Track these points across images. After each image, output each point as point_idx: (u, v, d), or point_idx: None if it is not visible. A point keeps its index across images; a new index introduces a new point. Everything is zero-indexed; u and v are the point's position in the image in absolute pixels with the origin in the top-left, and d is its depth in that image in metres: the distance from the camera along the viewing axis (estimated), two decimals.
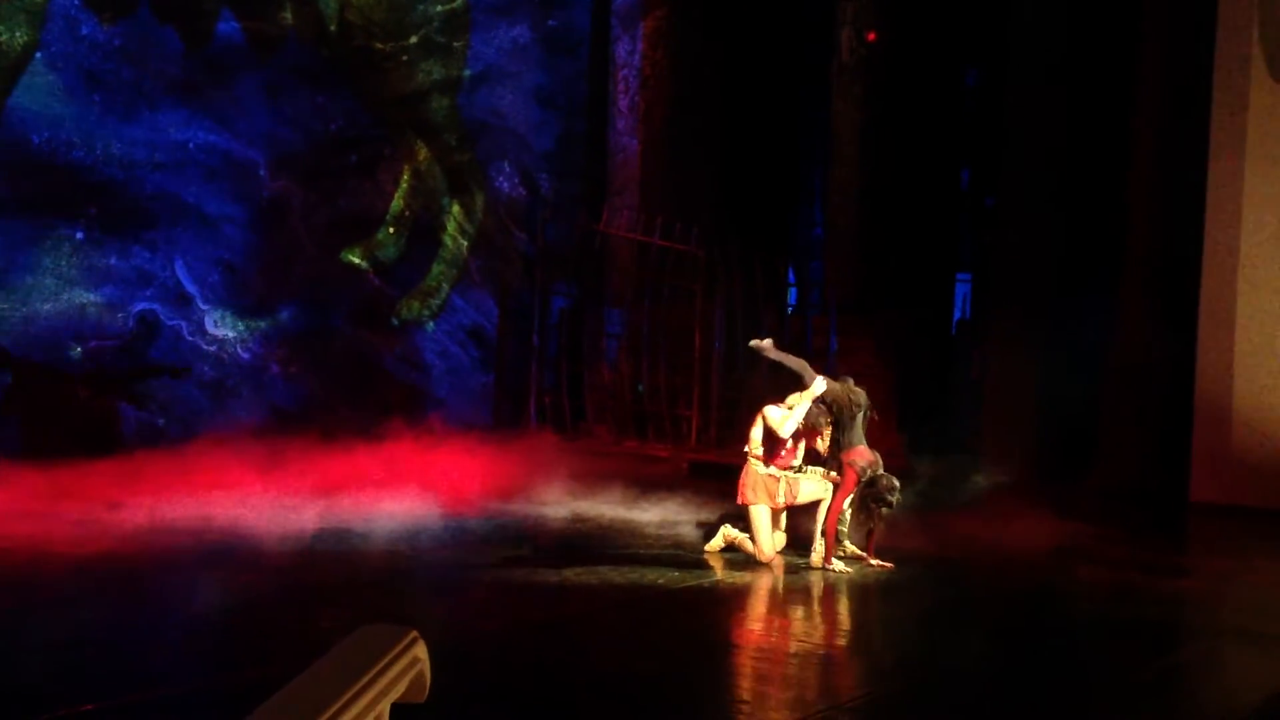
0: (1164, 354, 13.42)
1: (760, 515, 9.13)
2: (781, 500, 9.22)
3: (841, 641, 7.62)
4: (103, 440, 12.58)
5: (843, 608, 8.42)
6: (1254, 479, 12.30)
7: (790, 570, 8.93)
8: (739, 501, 9.29)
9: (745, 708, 5.92)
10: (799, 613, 8.19)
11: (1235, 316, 12.60)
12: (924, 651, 7.24)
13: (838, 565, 8.96)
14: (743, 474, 9.28)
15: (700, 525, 10.39)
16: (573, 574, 8.56)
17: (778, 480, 9.19)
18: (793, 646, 7.32)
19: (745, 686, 6.35)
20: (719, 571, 8.88)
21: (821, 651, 7.28)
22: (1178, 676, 6.92)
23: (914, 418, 13.86)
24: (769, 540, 9.13)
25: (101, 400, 12.89)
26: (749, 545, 9.25)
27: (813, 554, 9.09)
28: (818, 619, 8.19)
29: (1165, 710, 6.16)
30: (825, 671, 6.80)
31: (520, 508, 11.02)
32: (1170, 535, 11.87)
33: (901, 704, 6.10)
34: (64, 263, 12.73)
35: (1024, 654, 7.31)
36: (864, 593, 8.63)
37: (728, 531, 9.44)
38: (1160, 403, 13.44)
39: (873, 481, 8.99)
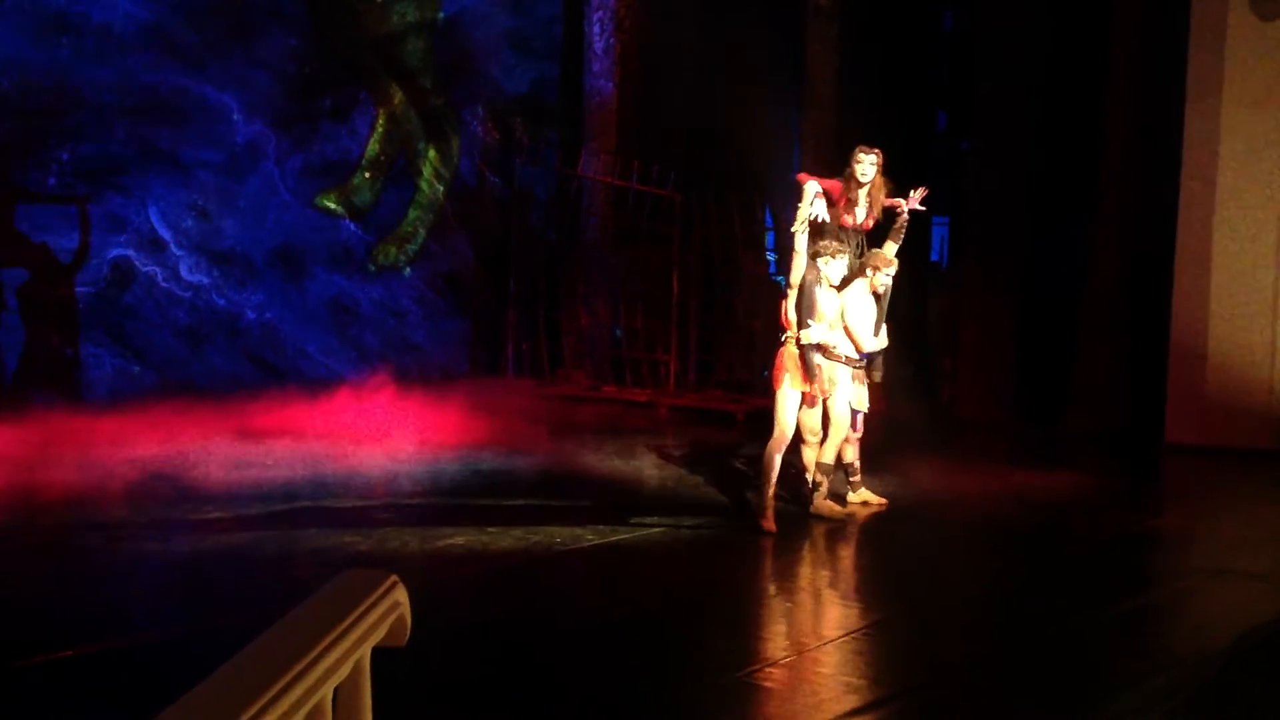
0: (1139, 295, 13.47)
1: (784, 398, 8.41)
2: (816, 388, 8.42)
3: (821, 585, 7.66)
4: (77, 388, 12.51)
5: (820, 553, 8.45)
6: (1229, 420, 12.38)
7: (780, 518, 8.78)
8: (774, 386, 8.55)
9: (722, 647, 5.96)
10: (777, 557, 8.22)
11: (1211, 257, 12.62)
12: (901, 595, 7.30)
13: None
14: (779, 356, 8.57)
15: (680, 471, 10.41)
16: (551, 518, 8.57)
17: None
18: (770, 589, 7.37)
19: (723, 627, 6.38)
20: (694, 518, 8.90)
21: (799, 595, 7.33)
22: (1152, 615, 6.99)
23: (889, 361, 13.88)
24: (789, 420, 8.41)
25: (76, 348, 12.80)
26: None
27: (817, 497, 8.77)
28: (796, 563, 8.22)
29: (1139, 648, 6.22)
30: (805, 614, 6.84)
31: (497, 454, 11.02)
32: (1145, 477, 11.96)
33: (882, 643, 6.16)
34: (36, 209, 12.59)
35: (1000, 596, 7.37)
36: (841, 538, 8.67)
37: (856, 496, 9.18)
38: (1135, 344, 13.50)
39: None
